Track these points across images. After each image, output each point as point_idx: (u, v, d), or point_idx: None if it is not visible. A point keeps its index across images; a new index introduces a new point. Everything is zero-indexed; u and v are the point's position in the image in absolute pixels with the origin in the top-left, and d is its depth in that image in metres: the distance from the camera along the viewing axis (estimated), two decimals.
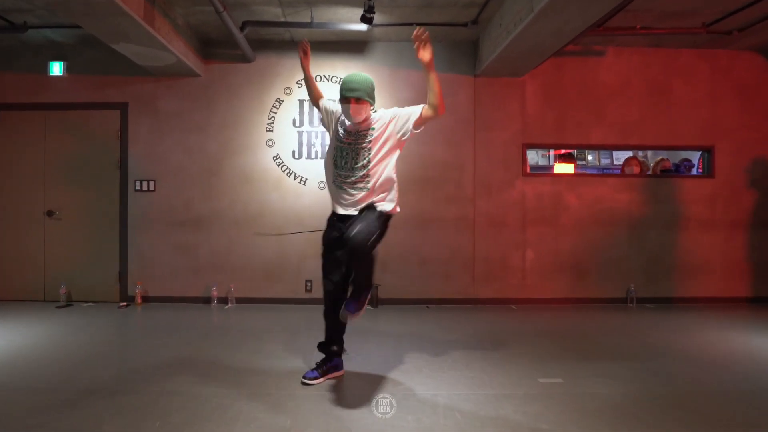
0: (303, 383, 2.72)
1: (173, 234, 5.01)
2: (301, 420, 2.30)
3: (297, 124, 5.04)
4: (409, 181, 5.01)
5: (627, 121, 5.14)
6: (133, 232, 5.01)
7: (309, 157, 5.03)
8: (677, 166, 5.42)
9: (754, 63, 5.17)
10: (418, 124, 2.62)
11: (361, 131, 2.65)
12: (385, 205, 2.66)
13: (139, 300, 4.90)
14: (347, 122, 2.68)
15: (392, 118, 2.64)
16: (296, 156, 5.03)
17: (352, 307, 2.62)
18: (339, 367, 2.88)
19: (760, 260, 5.16)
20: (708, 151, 5.19)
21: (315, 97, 2.94)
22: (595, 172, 5.88)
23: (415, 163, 5.02)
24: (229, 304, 4.91)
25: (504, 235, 5.06)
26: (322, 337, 2.93)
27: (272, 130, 5.03)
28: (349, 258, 2.62)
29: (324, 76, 5.05)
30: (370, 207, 2.62)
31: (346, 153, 2.65)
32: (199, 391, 2.63)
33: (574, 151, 5.58)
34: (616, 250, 5.10)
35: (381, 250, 5.07)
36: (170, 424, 2.22)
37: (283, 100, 5.04)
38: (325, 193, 4.94)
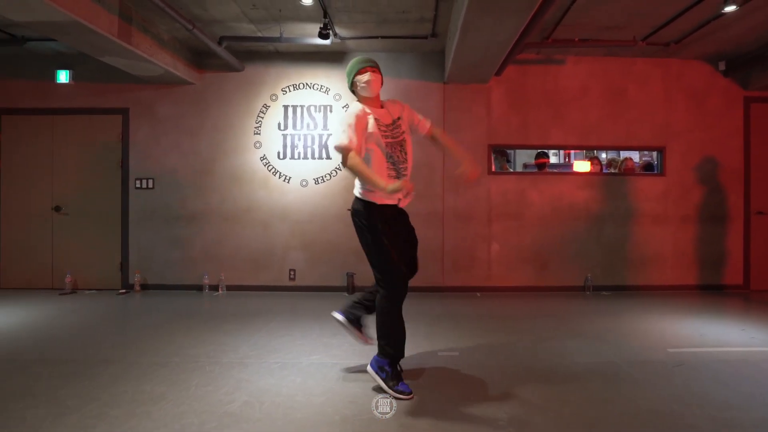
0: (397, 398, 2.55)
1: (170, 228, 5.51)
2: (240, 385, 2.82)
3: (282, 127, 5.52)
4: None
5: (586, 123, 5.59)
6: (134, 226, 5.51)
7: (292, 157, 5.51)
8: (649, 165, 5.86)
9: (702, 71, 5.60)
10: (420, 132, 2.89)
11: (394, 122, 2.68)
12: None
13: (137, 287, 5.40)
14: (375, 117, 2.61)
15: (403, 106, 2.78)
16: (281, 157, 5.51)
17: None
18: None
19: (707, 251, 5.60)
20: (660, 151, 5.64)
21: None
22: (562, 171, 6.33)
23: None
24: (220, 291, 5.40)
25: (471, 229, 5.53)
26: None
27: (259, 133, 5.51)
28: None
29: (307, 84, 5.52)
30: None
31: (395, 147, 2.67)
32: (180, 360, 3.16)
33: (594, 152, 6.14)
34: (576, 242, 5.56)
35: (356, 243, 5.59)
36: (168, 386, 2.72)
37: (269, 106, 5.52)
38: (307, 190, 5.46)
